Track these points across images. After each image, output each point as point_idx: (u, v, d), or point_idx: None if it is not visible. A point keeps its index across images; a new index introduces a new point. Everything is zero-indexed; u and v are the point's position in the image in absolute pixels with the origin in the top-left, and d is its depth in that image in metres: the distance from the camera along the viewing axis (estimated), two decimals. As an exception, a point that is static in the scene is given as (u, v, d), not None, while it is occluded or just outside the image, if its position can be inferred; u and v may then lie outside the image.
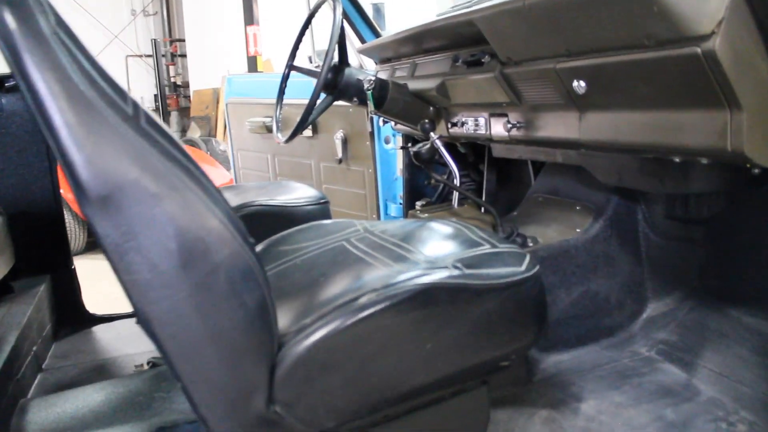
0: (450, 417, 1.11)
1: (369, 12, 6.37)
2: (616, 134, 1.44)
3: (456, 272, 1.05)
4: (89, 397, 1.63)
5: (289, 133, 2.09)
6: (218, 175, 6.48)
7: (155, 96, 13.84)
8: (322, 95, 2.12)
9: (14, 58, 0.79)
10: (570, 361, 1.72)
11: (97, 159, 0.82)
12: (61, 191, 2.35)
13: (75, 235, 5.44)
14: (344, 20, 2.63)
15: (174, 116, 13.87)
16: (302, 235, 1.44)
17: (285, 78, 2.26)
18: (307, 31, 2.21)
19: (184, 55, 13.48)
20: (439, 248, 1.19)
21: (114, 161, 0.83)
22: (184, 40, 13.24)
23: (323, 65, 1.92)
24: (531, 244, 1.77)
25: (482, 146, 2.34)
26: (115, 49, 13.15)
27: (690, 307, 1.81)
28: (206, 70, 11.57)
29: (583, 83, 1.42)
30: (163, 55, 13.56)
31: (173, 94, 13.80)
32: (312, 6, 2.13)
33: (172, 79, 13.89)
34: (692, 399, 1.53)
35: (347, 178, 3.10)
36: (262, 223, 1.95)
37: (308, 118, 2.00)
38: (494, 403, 1.55)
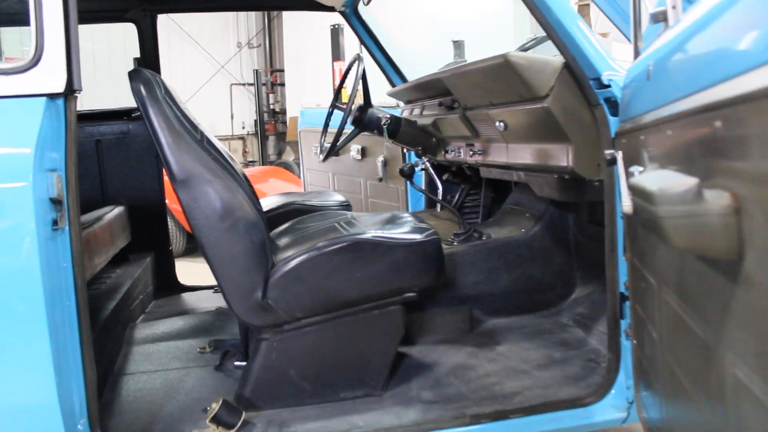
0: (375, 323, 1.83)
1: (450, 48, 7.17)
2: (522, 158, 2.14)
3: (379, 233, 1.79)
4: (175, 324, 2.46)
5: (325, 155, 2.89)
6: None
7: (255, 121, 15.07)
8: (352, 127, 2.90)
9: (143, 109, 1.61)
10: (505, 323, 2.40)
11: (180, 161, 1.62)
12: (168, 202, 3.21)
13: (176, 239, 6.44)
14: (381, 69, 3.41)
15: (271, 140, 15.05)
16: (314, 219, 2.21)
17: (329, 115, 3.05)
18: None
19: (282, 84, 14.66)
20: (384, 224, 1.94)
21: (189, 162, 1.63)
22: (283, 71, 14.42)
23: (347, 107, 2.70)
24: (484, 238, 2.47)
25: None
26: (221, 78, 14.46)
27: (604, 290, 2.45)
28: (303, 99, 12.63)
29: (501, 124, 2.13)
30: (263, 84, 14.79)
31: (271, 120, 14.99)
32: (347, 65, 2.91)
33: (271, 106, 15.08)
34: (579, 348, 2.18)
35: (387, 193, 3.84)
36: (300, 215, 2.73)
37: (336, 144, 2.78)
38: (439, 341, 2.25)
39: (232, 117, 14.91)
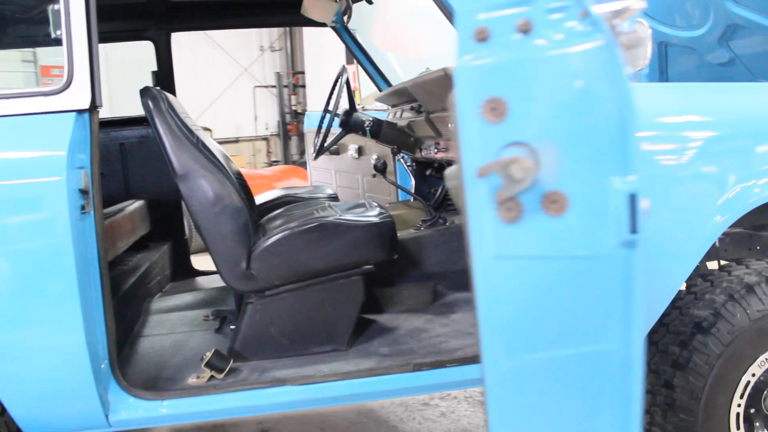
0: (340, 290, 2.26)
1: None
2: (471, 156, 2.54)
3: (342, 217, 2.22)
4: (185, 298, 2.91)
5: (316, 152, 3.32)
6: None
7: (278, 122, 15.59)
8: (339, 129, 3.32)
9: (151, 119, 2.06)
10: (464, 296, 2.79)
11: (180, 159, 2.06)
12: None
13: (193, 236, 6.92)
14: (369, 77, 3.83)
15: (294, 141, 15.57)
16: (298, 207, 2.65)
17: (322, 119, 3.47)
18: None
19: (304, 86, 15.15)
20: (350, 209, 2.37)
21: (187, 160, 2.07)
22: (304, 73, 14.91)
23: (332, 112, 3.12)
24: (447, 224, 2.87)
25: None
26: (245, 81, 15.02)
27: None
28: (323, 100, 13.04)
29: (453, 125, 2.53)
30: (285, 86, 15.32)
31: (294, 121, 15.49)
32: (336, 75, 3.34)
33: (293, 108, 15.59)
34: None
35: (380, 187, 4.27)
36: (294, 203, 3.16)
37: (324, 144, 3.21)
38: (404, 311, 2.66)
39: (256, 118, 15.45)
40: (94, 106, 1.86)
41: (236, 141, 15.05)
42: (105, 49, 11.64)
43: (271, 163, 15.40)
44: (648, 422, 2.09)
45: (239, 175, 2.40)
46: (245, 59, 14.98)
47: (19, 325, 1.82)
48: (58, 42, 1.86)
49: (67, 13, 1.81)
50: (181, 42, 13.24)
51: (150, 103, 2.08)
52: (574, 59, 0.86)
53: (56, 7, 1.80)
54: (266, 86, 15.43)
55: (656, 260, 1.97)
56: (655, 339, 2.09)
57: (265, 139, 15.82)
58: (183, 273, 3.63)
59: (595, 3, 0.88)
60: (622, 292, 0.81)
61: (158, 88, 2.20)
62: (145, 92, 2.12)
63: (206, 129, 13.67)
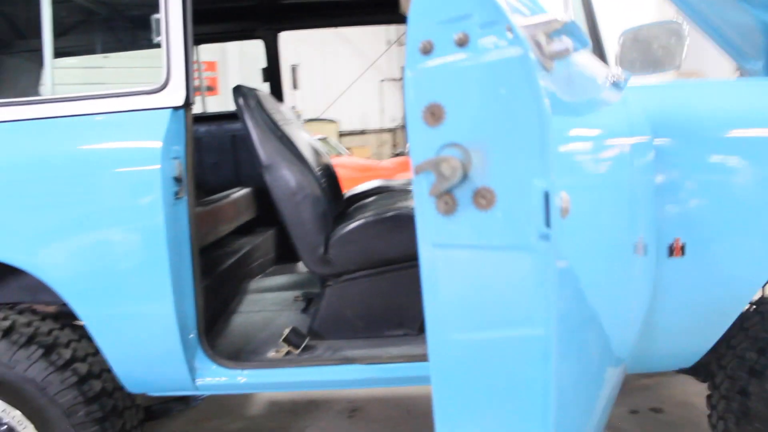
0: (412, 278, 2.33)
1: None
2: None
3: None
4: (281, 280, 3.14)
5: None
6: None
7: (403, 115, 15.85)
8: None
9: (241, 115, 2.26)
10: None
11: (265, 151, 2.25)
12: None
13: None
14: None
15: (417, 132, 15.74)
16: (386, 197, 2.79)
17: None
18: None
19: (429, 79, 15.28)
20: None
21: (271, 152, 2.26)
22: (428, 66, 15.04)
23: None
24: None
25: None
26: (372, 75, 15.39)
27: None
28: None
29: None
30: (411, 79, 15.52)
31: (418, 113, 15.67)
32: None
33: (419, 100, 15.77)
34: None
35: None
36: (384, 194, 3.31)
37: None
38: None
39: (382, 111, 15.80)
40: (187, 104, 2.08)
41: (362, 133, 15.46)
42: (241, 46, 12.25)
43: (396, 155, 15.69)
44: (722, 430, 2.05)
45: (326, 167, 2.56)
46: (373, 53, 15.34)
47: (121, 296, 2.07)
48: (158, 46, 2.09)
49: (167, 22, 2.03)
50: (312, 38, 13.81)
51: (240, 100, 2.29)
52: (498, 69, 0.95)
53: (157, 16, 2.03)
54: (393, 80, 15.73)
55: (732, 261, 1.94)
56: (733, 343, 2.04)
57: (392, 131, 16.14)
58: (286, 257, 3.87)
59: (519, 18, 0.96)
60: (541, 280, 0.89)
61: (250, 86, 2.41)
62: (236, 90, 2.33)
63: (331, 121, 14.18)
